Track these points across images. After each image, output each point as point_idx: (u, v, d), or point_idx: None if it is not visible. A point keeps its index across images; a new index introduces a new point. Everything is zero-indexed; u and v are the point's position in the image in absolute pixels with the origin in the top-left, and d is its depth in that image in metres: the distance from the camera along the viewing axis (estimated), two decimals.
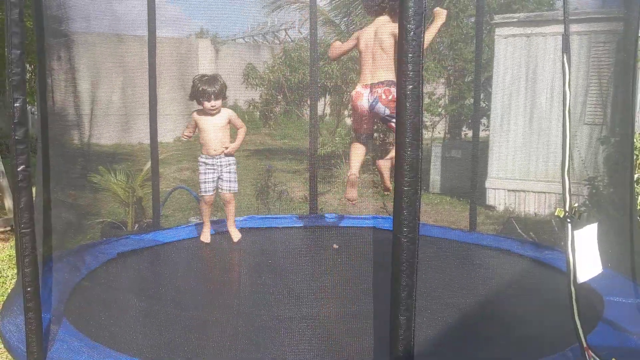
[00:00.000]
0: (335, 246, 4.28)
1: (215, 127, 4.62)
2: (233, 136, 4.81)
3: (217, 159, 4.66)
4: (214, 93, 4.53)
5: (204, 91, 4.54)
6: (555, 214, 2.60)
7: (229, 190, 4.72)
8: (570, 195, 2.59)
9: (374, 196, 8.50)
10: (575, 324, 2.67)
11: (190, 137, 4.77)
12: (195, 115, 4.68)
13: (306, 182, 6.66)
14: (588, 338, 2.72)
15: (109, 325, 3.16)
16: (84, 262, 4.02)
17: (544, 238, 5.31)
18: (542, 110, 7.60)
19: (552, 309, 3.13)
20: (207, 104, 4.56)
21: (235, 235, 4.78)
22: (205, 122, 4.64)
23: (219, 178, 4.70)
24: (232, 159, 4.73)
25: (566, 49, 2.52)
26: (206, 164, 4.68)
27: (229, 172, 4.71)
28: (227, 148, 4.66)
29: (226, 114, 4.69)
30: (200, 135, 4.69)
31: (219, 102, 4.58)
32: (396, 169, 2.09)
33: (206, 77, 4.58)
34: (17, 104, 2.43)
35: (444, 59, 10.72)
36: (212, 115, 4.61)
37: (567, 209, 2.59)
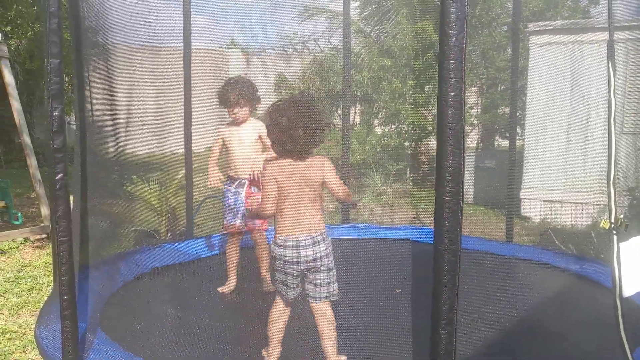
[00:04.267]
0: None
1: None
2: None
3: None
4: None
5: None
6: (601, 225, 2.51)
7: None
8: (616, 206, 2.50)
9: (406, 206, 8.42)
10: (622, 340, 2.57)
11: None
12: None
13: None
14: (634, 355, 2.62)
15: (143, 335, 3.16)
16: (119, 271, 4.05)
17: (583, 250, 5.16)
18: (580, 119, 7.44)
19: (595, 323, 3.02)
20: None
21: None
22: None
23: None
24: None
25: (611, 55, 2.44)
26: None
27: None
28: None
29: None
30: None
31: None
32: (437, 178, 2.03)
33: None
34: (56, 113, 2.45)
35: (476, 67, 10.61)
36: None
37: (612, 220, 2.49)
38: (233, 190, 3.95)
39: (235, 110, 3.87)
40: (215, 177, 3.95)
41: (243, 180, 3.94)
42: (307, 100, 2.87)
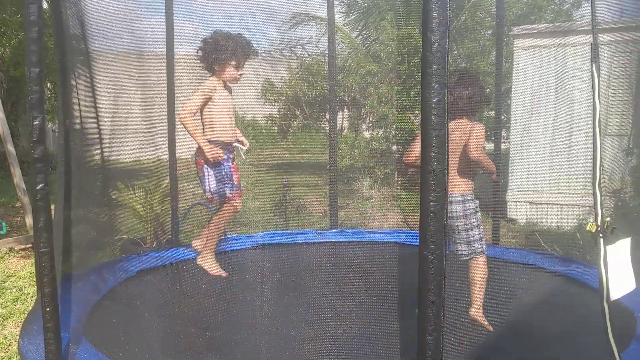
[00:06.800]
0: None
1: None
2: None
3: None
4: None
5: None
6: (587, 229, 2.51)
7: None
8: (602, 209, 2.50)
9: (395, 210, 8.42)
10: (610, 342, 2.57)
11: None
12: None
13: (325, 196, 6.60)
14: (623, 357, 2.62)
15: (128, 344, 3.12)
16: (104, 280, 3.99)
17: (569, 251, 5.18)
18: (564, 121, 7.48)
19: (583, 326, 3.03)
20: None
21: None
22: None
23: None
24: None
25: (595, 58, 2.45)
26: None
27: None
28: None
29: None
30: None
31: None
32: (422, 183, 2.03)
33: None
34: (36, 122, 2.41)
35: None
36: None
37: (599, 223, 2.50)
38: (226, 157, 3.72)
39: (240, 72, 3.61)
40: (216, 149, 3.57)
41: (234, 143, 3.79)
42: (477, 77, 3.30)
